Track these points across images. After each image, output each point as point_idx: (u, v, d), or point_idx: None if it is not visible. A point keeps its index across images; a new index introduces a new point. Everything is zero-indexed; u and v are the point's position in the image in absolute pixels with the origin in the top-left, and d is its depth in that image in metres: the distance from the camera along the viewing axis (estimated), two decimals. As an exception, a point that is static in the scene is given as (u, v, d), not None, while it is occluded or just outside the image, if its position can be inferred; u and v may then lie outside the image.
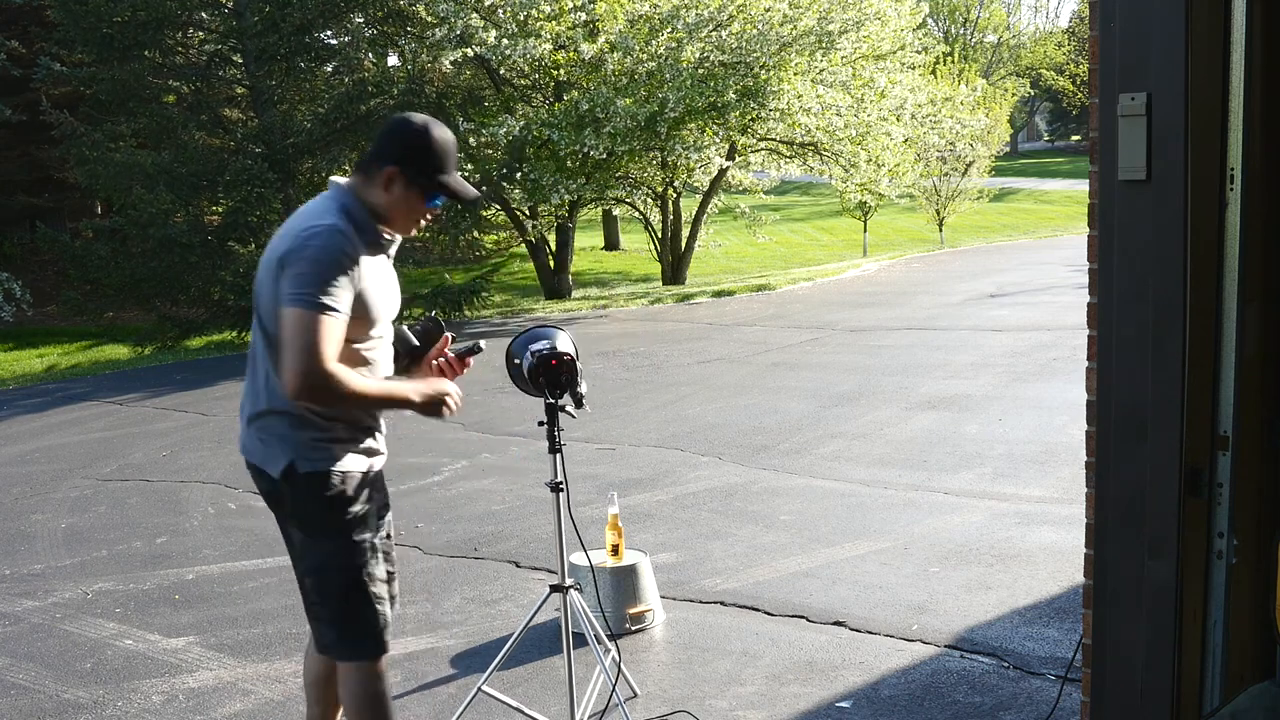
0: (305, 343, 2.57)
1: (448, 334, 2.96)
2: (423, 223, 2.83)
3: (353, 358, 2.71)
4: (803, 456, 6.81)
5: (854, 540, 5.19)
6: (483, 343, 3.03)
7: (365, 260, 2.70)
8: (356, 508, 2.75)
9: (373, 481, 2.81)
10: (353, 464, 2.75)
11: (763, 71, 16.62)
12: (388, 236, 2.80)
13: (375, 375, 2.80)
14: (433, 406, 2.78)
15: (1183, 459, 2.45)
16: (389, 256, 2.85)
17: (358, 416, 2.78)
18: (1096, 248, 2.55)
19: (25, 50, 18.93)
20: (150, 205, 14.40)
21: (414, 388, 2.78)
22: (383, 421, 2.89)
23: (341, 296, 2.63)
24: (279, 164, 15.21)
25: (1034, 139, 64.46)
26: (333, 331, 2.60)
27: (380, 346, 2.82)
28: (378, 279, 2.75)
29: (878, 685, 3.72)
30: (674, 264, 20.94)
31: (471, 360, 3.00)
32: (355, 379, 2.64)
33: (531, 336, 3.37)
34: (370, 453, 2.81)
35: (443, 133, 2.77)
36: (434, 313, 3.00)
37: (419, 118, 2.79)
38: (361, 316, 2.70)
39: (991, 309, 13.58)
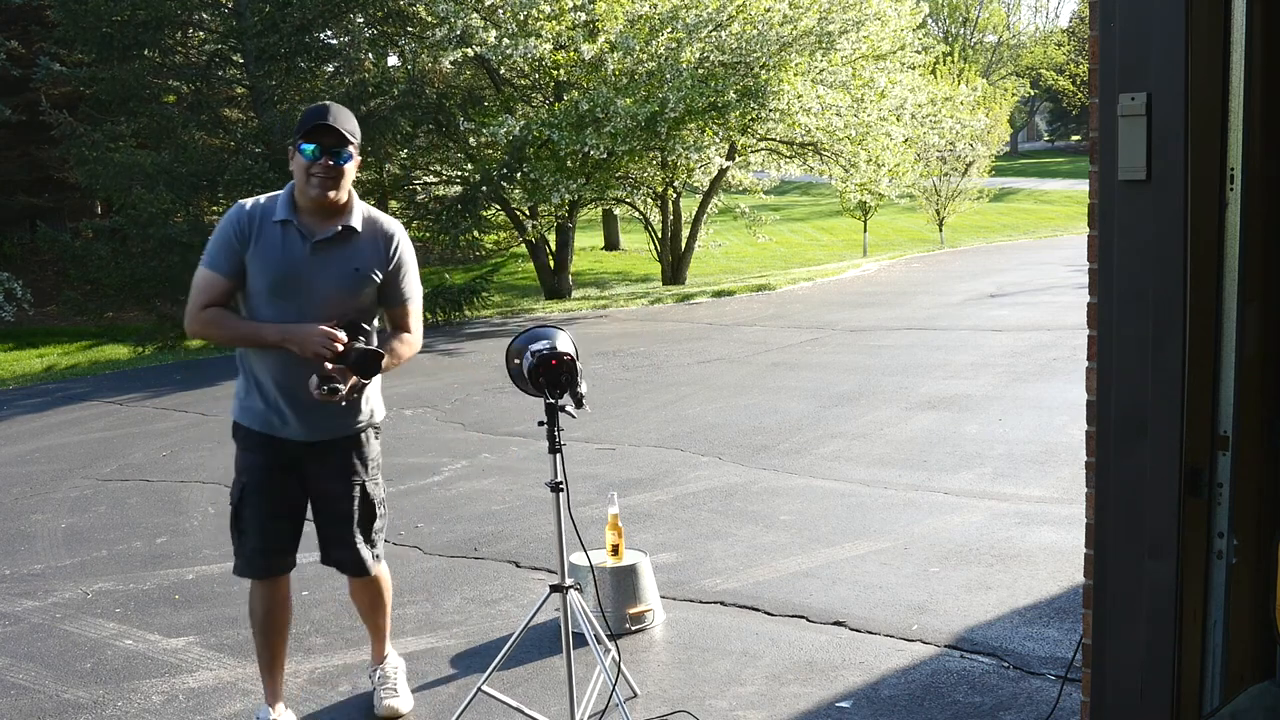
0: (191, 292, 3.24)
1: (330, 365, 3.15)
2: (316, 180, 3.20)
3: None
4: (803, 456, 6.81)
5: (854, 540, 5.19)
6: (341, 389, 3.16)
7: (264, 235, 3.20)
8: (239, 455, 3.39)
9: (259, 440, 3.33)
10: (245, 420, 3.36)
11: (763, 71, 16.62)
12: (302, 221, 3.23)
13: (285, 360, 3.21)
14: (297, 342, 3.15)
15: (1183, 459, 2.45)
16: (313, 242, 3.23)
17: (255, 383, 3.30)
18: (1096, 248, 2.55)
19: (25, 50, 18.93)
20: (150, 205, 14.38)
21: (275, 328, 3.19)
22: (291, 402, 3.26)
23: (220, 257, 3.21)
24: (279, 164, 15.20)
25: (1034, 139, 64.49)
26: (205, 282, 3.22)
27: (282, 321, 3.20)
28: (280, 256, 3.19)
29: (878, 685, 3.72)
30: (674, 264, 20.95)
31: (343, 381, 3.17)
32: (225, 321, 3.23)
33: (531, 336, 3.37)
34: (262, 419, 3.31)
35: (315, 105, 3.28)
36: (366, 342, 3.22)
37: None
38: (250, 286, 3.22)
39: (991, 309, 13.59)
